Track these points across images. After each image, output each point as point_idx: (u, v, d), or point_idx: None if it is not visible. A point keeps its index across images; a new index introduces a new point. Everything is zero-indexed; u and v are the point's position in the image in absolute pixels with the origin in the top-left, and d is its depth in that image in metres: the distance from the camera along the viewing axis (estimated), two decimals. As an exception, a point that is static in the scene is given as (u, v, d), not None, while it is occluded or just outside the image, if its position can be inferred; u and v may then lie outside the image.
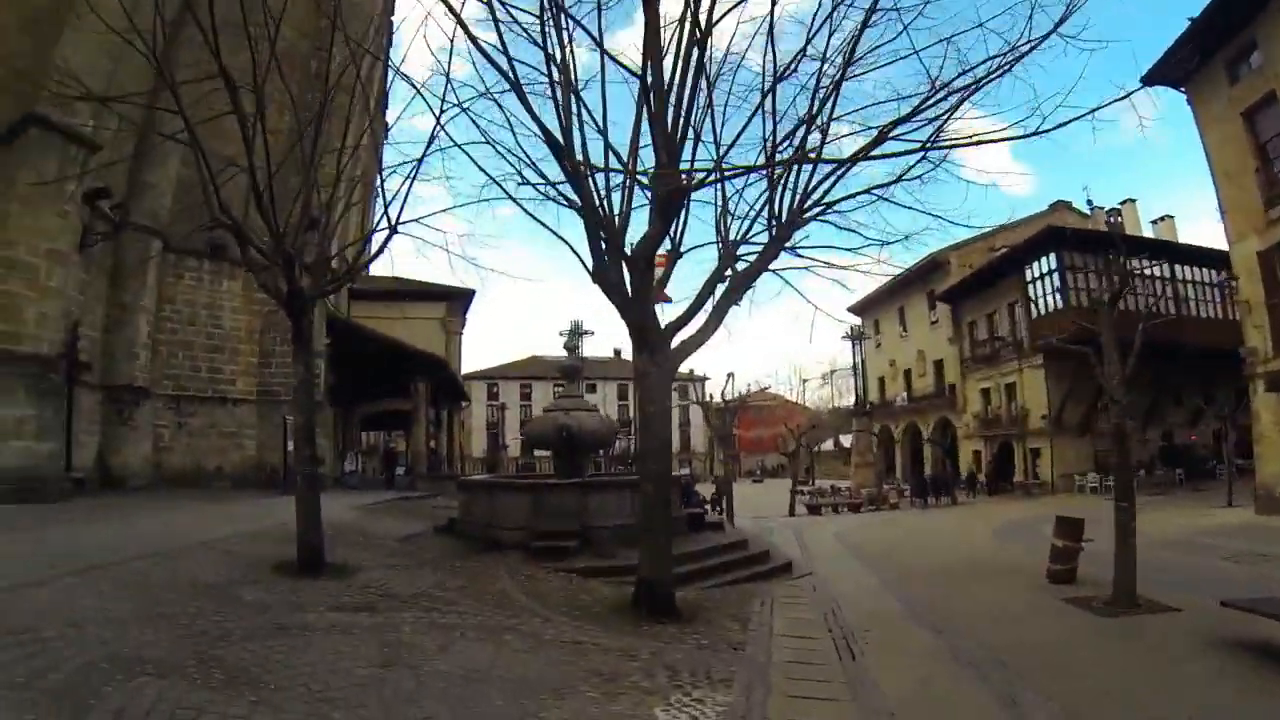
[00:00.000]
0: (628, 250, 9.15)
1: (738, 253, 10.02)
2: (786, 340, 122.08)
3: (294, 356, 10.43)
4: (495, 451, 62.15)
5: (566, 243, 9.28)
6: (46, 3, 16.89)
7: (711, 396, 32.08)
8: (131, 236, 22.29)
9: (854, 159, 8.59)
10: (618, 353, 76.78)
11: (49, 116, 16.49)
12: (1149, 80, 21.33)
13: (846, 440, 61.60)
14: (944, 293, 43.82)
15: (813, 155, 8.86)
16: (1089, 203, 41.18)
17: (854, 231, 10.12)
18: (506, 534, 12.48)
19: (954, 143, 8.39)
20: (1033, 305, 36.01)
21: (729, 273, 9.85)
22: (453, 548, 12.58)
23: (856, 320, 51.37)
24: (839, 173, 9.24)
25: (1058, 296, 34.29)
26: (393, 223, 10.06)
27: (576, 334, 15.46)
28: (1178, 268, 34.66)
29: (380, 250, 10.48)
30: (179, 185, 22.56)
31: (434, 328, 40.06)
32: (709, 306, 9.60)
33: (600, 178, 9.08)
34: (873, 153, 8.55)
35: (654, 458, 9.08)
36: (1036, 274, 35.61)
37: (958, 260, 42.65)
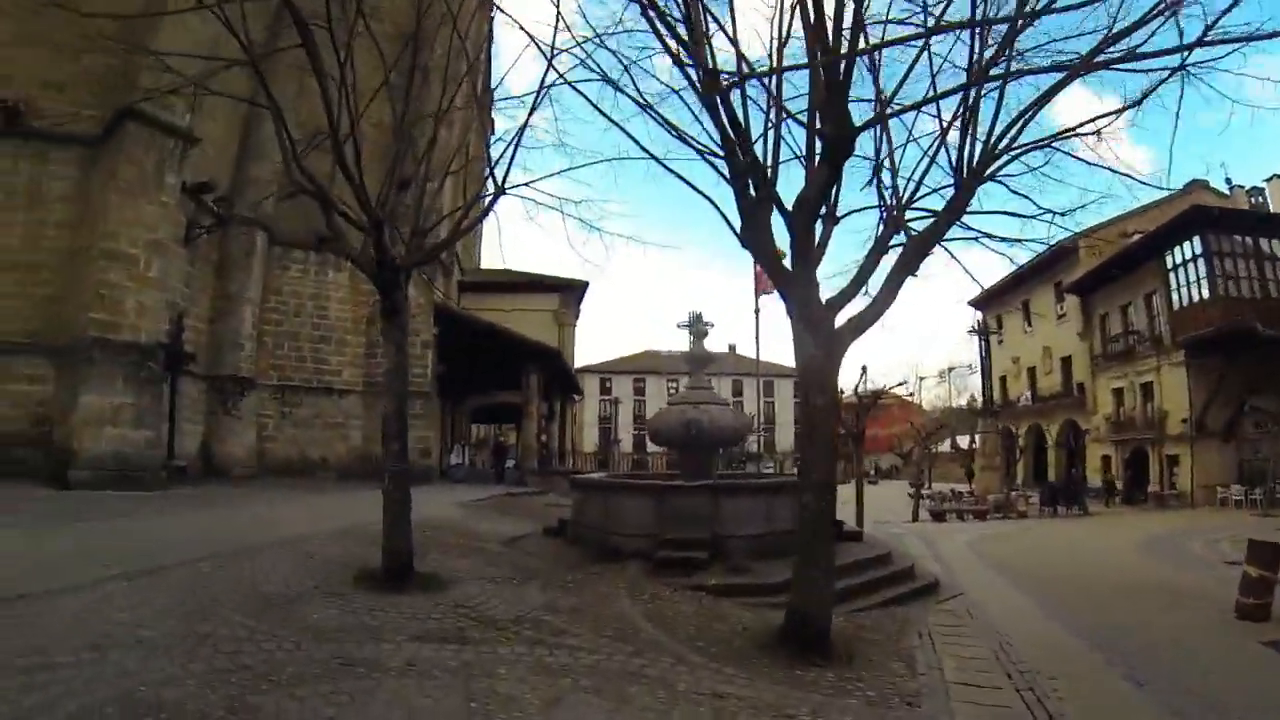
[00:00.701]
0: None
1: (901, 217, 8.23)
2: (904, 334, 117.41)
3: (384, 334, 9.12)
4: (607, 447, 61.01)
5: (707, 197, 7.60)
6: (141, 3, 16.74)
7: (843, 391, 29.71)
8: (237, 230, 22.42)
9: (1087, 64, 6.50)
10: (732, 348, 75.11)
11: (145, 110, 16.36)
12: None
13: (963, 441, 58.68)
14: (1073, 284, 40.09)
15: (1023, 68, 6.88)
16: (1227, 181, 37.10)
17: (1025, 197, 8.40)
18: (626, 541, 10.76)
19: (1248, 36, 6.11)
20: (1174, 295, 32.33)
21: (894, 240, 8.06)
22: (564, 555, 11.00)
23: (977, 315, 48.38)
24: (1037, 103, 7.28)
25: (1203, 284, 30.65)
26: (499, 183, 8.73)
27: (702, 321, 13.67)
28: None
29: (485, 213, 9.13)
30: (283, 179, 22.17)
31: (546, 320, 39.17)
32: (865, 285, 7.77)
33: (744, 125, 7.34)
34: (1110, 57, 6.48)
35: (817, 462, 7.25)
36: (1178, 260, 31.89)
37: (1086, 248, 38.95)
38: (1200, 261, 30.63)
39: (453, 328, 26.07)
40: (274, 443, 23.09)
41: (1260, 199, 36.28)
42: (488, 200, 8.93)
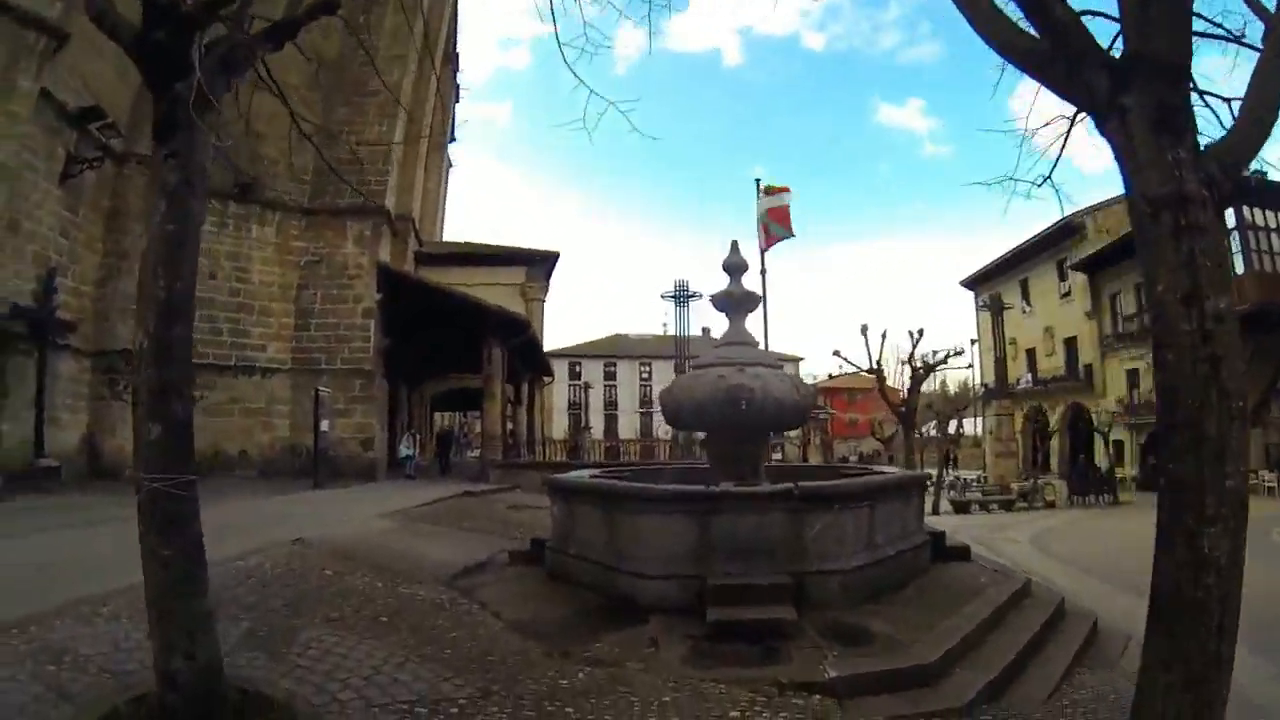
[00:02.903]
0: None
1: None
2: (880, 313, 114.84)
3: (150, 179, 4.64)
4: (578, 435, 56.62)
5: None
6: None
7: (880, 365, 25.31)
8: (137, 171, 18.13)
9: None
10: (706, 331, 69.92)
11: (-5, -8, 12.68)
12: None
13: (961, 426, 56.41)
14: (1080, 261, 38.33)
15: None
16: (1249, 160, 34.69)
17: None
18: (647, 585, 6.39)
19: None
20: (1201, 271, 29.63)
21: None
22: (544, 609, 6.60)
23: (977, 295, 47.48)
24: None
25: (1236, 259, 28.19)
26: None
27: (738, 252, 9.21)
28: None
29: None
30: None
31: (512, 294, 35.22)
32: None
33: None
34: None
35: (1225, 449, 3.05)
36: (1208, 234, 29.18)
37: (1094, 224, 37.72)
38: (1234, 235, 28.42)
39: (402, 295, 21.98)
40: (181, 435, 18.92)
41: (1285, 177, 33.55)
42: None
